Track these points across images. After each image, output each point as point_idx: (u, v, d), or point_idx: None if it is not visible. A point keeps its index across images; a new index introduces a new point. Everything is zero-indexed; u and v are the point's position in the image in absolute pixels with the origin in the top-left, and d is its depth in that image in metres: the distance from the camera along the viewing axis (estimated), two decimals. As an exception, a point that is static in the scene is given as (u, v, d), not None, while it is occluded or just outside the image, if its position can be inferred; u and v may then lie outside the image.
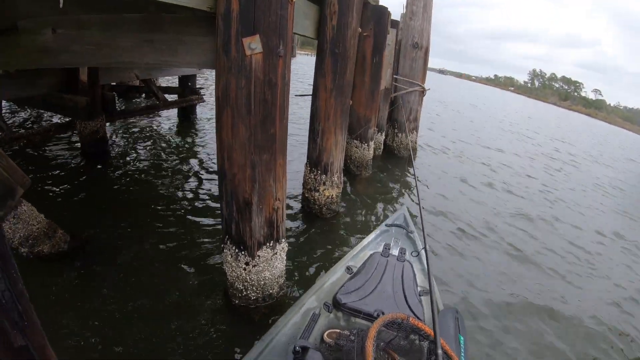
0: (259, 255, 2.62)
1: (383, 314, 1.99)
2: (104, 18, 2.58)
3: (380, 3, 5.38)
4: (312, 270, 3.60)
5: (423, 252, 3.16)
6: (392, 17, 5.99)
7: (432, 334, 1.84)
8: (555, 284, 4.28)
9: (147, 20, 2.49)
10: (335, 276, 2.75)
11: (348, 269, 2.85)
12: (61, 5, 1.53)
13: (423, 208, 2.92)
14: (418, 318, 2.20)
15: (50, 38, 2.69)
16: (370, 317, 2.26)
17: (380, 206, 5.37)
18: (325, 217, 4.60)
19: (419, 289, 2.69)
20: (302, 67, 25.70)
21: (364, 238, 3.38)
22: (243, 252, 2.60)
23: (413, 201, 5.87)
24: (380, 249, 3.06)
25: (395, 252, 3.05)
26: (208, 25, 2.26)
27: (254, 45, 2.06)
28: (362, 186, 5.96)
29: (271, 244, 2.66)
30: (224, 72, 2.16)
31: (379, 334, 1.81)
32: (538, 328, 3.46)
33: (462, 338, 2.12)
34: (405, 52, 7.62)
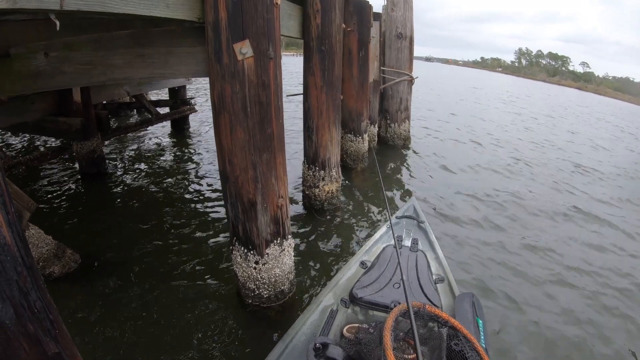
0: (267, 253, 2.68)
1: (400, 304, 2.04)
2: (94, 37, 2.62)
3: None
4: (320, 265, 3.66)
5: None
6: (374, 10, 6.05)
7: (450, 320, 1.89)
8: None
9: (136, 35, 2.53)
10: (350, 272, 2.79)
11: (362, 263, 2.88)
12: (57, 28, 1.59)
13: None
14: (435, 305, 2.24)
15: (43, 62, 2.73)
16: (387, 309, 2.27)
17: (379, 196, 5.43)
18: (327, 211, 4.68)
19: (434, 277, 2.73)
20: (288, 67, 25.66)
21: (373, 231, 3.41)
22: (252, 252, 2.66)
23: (410, 189, 5.97)
24: (392, 241, 3.09)
25: (407, 243, 3.10)
26: (197, 35, 2.32)
27: (244, 50, 2.12)
28: (360, 179, 6.03)
29: (278, 241, 2.72)
30: (218, 79, 2.22)
31: (397, 324, 1.82)
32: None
33: (480, 321, 2.16)
34: (390, 43, 7.67)
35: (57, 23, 1.61)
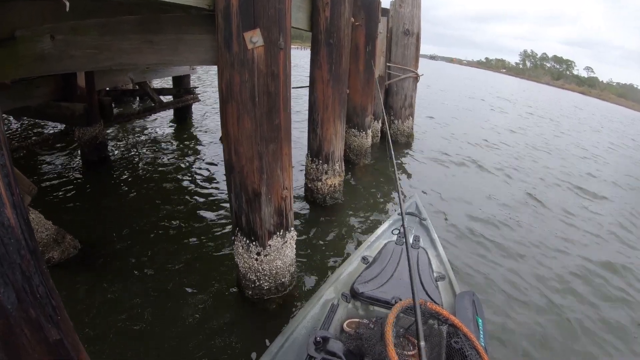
0: (270, 245, 2.67)
1: (400, 300, 2.01)
2: (101, 22, 2.59)
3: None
4: (321, 258, 3.65)
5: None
6: (382, 6, 6.02)
7: (451, 317, 1.87)
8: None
9: (145, 21, 2.50)
10: (351, 267, 2.77)
11: (364, 259, 2.87)
12: (67, 9, 1.56)
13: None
14: (435, 303, 2.23)
15: (49, 45, 2.70)
16: (388, 305, 2.26)
17: (381, 192, 5.44)
18: (329, 205, 4.67)
19: (435, 274, 2.71)
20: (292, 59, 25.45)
21: (376, 227, 3.40)
22: (254, 243, 2.65)
23: (412, 186, 5.96)
24: (394, 237, 3.08)
25: (409, 240, 3.09)
26: (207, 22, 2.29)
27: (255, 39, 2.10)
28: (362, 174, 6.01)
29: (281, 233, 2.71)
30: (227, 67, 2.20)
31: (397, 320, 1.81)
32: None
33: (480, 320, 2.14)
34: (397, 39, 7.63)
35: (67, 4, 1.58)
